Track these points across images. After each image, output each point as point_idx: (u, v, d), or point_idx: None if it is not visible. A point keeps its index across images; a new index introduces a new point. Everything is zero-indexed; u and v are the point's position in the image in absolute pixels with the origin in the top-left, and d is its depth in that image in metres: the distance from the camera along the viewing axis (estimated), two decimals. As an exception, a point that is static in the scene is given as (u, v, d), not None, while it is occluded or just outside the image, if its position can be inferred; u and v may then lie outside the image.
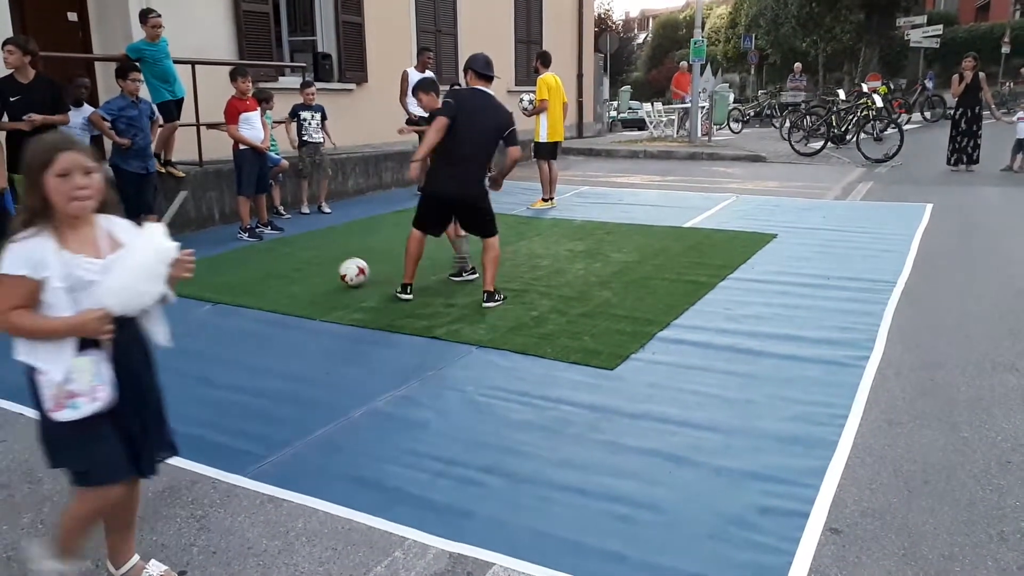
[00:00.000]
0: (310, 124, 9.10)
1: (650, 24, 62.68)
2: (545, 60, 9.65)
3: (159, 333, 2.26)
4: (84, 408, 2.03)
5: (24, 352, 2.04)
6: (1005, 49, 29.63)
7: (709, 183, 11.74)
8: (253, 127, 7.73)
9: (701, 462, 3.12)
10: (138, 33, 7.71)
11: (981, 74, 11.93)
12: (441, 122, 5.17)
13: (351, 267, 5.79)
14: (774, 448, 3.23)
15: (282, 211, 9.10)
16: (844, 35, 33.79)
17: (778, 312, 5.08)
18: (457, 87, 5.50)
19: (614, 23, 46.73)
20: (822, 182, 11.43)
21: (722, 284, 5.79)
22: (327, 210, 9.50)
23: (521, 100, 10.01)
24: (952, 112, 12.74)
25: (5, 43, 6.01)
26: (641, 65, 53.46)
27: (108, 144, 6.92)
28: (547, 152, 9.64)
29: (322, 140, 9.26)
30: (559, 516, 2.75)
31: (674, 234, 7.72)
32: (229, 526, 2.75)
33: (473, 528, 2.69)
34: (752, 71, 36.77)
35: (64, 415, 2.03)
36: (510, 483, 2.99)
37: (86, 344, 2.03)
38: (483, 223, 5.44)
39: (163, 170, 7.87)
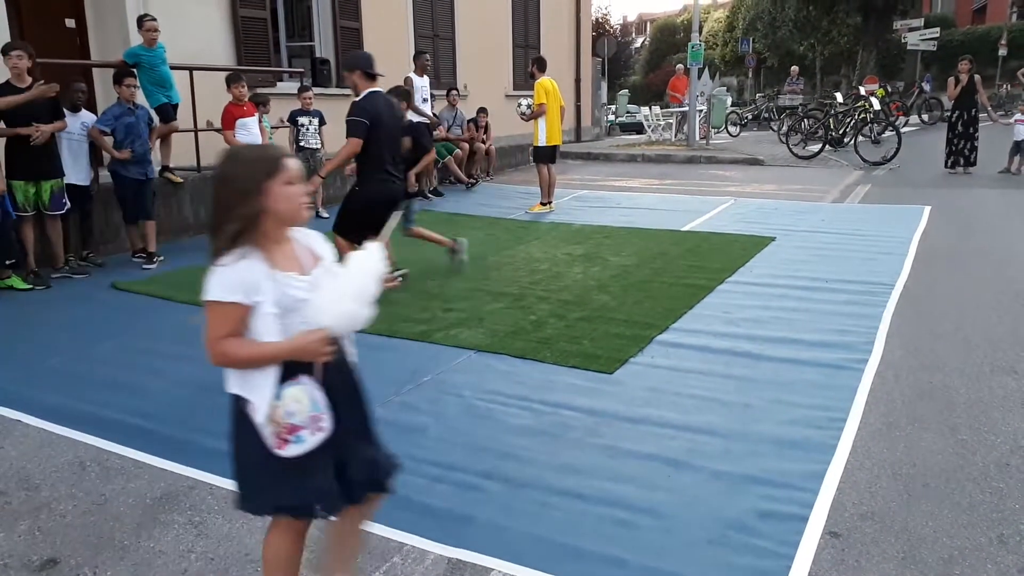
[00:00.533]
0: (307, 130, 9.12)
1: (648, 28, 62.81)
2: (541, 65, 9.66)
3: (352, 352, 2.09)
4: (309, 441, 1.87)
5: (237, 384, 1.90)
6: (1002, 51, 29.67)
7: (707, 186, 11.75)
8: (250, 132, 7.75)
9: (700, 466, 3.11)
10: (136, 39, 7.72)
11: (976, 76, 11.93)
12: (355, 144, 5.42)
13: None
14: (773, 452, 3.22)
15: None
16: (841, 38, 33.90)
17: (776, 315, 5.08)
18: (356, 100, 5.57)
19: (612, 27, 46.80)
20: (820, 185, 11.44)
21: (720, 287, 5.78)
22: (325, 215, 9.49)
23: (519, 105, 10.01)
24: (948, 115, 12.75)
25: (11, 49, 6.00)
26: (639, 69, 53.54)
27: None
28: (546, 156, 9.65)
29: (319, 146, 9.26)
30: (558, 521, 2.74)
31: (672, 237, 7.72)
32: (227, 532, 2.74)
33: (472, 533, 2.68)
34: (750, 74, 36.81)
35: (289, 451, 1.86)
36: (509, 488, 2.99)
37: (291, 371, 1.87)
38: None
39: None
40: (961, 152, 12.11)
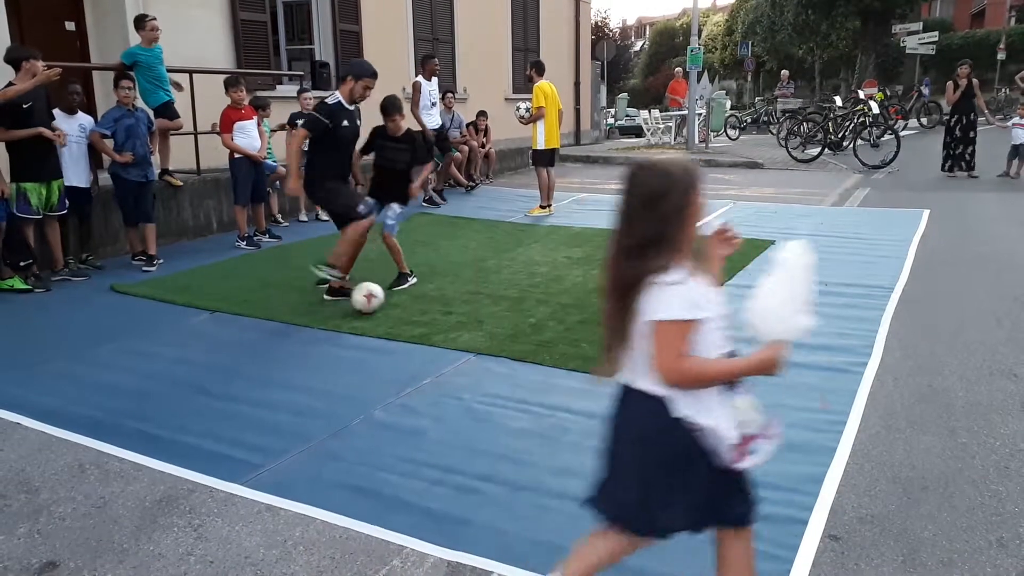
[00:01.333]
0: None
1: (647, 32, 62.93)
2: (540, 69, 9.67)
3: None
4: (763, 450, 1.83)
5: (691, 408, 1.82)
6: (1001, 55, 29.72)
7: (706, 190, 11.73)
8: (248, 136, 7.76)
9: (699, 469, 3.10)
10: (135, 41, 7.71)
11: (975, 80, 11.96)
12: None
13: (359, 299, 5.36)
14: (772, 455, 3.21)
15: (280, 219, 9.11)
16: (840, 42, 33.94)
17: (776, 318, 5.07)
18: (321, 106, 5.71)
19: (611, 31, 46.92)
20: (819, 188, 11.45)
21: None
22: (324, 217, 9.49)
23: (518, 108, 10.01)
24: (946, 119, 12.76)
25: (33, 57, 6.02)
26: (638, 72, 53.63)
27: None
28: (545, 159, 9.65)
29: None
30: (557, 524, 2.74)
31: (672, 241, 7.71)
32: (227, 535, 2.74)
33: (471, 536, 2.68)
34: (749, 78, 36.92)
35: (747, 462, 1.83)
36: (508, 491, 2.99)
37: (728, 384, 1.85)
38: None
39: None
40: (962, 156, 12.10)
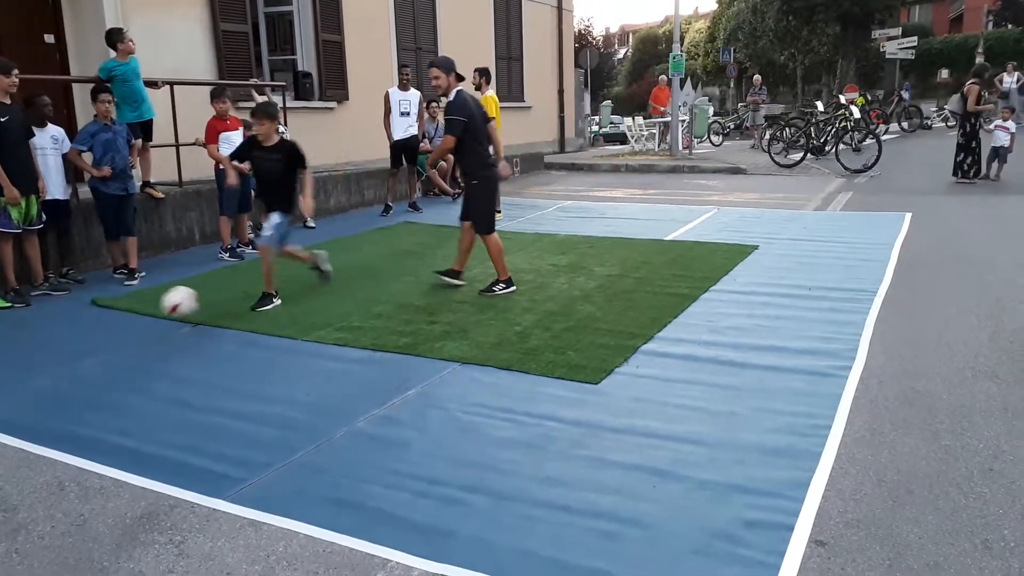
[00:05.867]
0: (284, 135, 9.24)
1: (630, 39, 63.23)
2: (488, 77, 9.74)
3: None
4: None
5: None
6: (979, 60, 30.06)
7: (690, 196, 11.80)
8: (233, 146, 7.70)
9: (685, 476, 3.10)
10: (114, 54, 7.66)
11: (973, 86, 11.77)
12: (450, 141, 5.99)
13: (166, 304, 5.27)
14: (758, 460, 3.22)
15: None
16: (821, 48, 34.24)
17: (760, 323, 5.09)
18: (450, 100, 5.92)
19: (594, 39, 47.16)
20: (802, 193, 11.51)
21: (704, 296, 5.80)
22: (312, 225, 9.51)
23: None
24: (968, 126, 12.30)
25: (12, 69, 5.96)
26: (622, 80, 53.88)
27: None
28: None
29: None
30: (543, 534, 2.72)
31: (656, 247, 7.75)
32: (208, 551, 2.70)
33: (456, 548, 2.66)
34: (731, 84, 37.10)
35: None
36: (493, 501, 2.97)
37: None
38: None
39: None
40: (960, 166, 11.95)
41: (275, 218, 5.86)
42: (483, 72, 9.77)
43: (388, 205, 10.58)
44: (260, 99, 9.45)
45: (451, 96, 5.95)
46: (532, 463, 3.27)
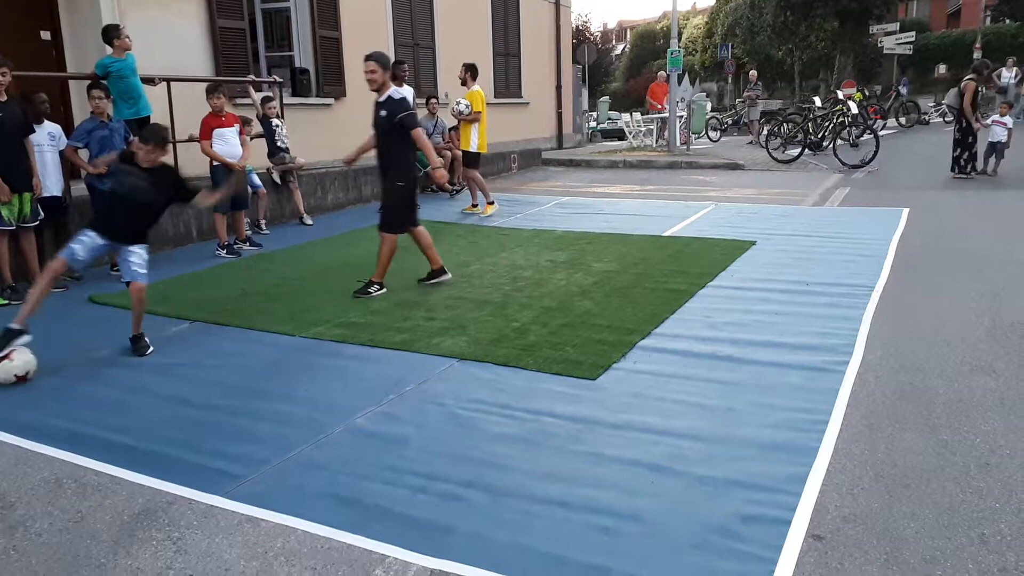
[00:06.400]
0: (281, 130, 9.31)
1: (627, 35, 63.07)
2: (475, 73, 9.83)
3: None
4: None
5: None
6: (977, 55, 30.04)
7: (688, 191, 11.80)
8: (228, 143, 7.71)
9: (683, 471, 3.11)
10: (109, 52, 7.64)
11: (970, 83, 11.78)
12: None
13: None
14: (756, 455, 3.23)
15: (262, 227, 9.05)
16: (819, 43, 34.16)
17: (758, 319, 5.09)
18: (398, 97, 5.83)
19: (592, 35, 47.04)
20: (800, 189, 11.51)
21: (702, 292, 5.80)
22: (309, 222, 9.52)
23: (458, 103, 9.93)
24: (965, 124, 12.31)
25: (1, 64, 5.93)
26: (619, 76, 53.75)
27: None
28: (477, 162, 10.00)
29: (288, 147, 9.47)
30: (541, 529, 2.73)
31: (654, 243, 7.74)
32: (207, 548, 2.70)
33: (454, 544, 2.66)
34: (729, 80, 37.08)
35: None
36: (491, 497, 2.97)
37: None
38: None
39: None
40: (957, 161, 11.95)
41: (143, 252, 4.94)
42: (470, 67, 9.84)
43: None
44: (257, 96, 9.48)
45: (390, 94, 5.79)
46: (530, 459, 3.28)
